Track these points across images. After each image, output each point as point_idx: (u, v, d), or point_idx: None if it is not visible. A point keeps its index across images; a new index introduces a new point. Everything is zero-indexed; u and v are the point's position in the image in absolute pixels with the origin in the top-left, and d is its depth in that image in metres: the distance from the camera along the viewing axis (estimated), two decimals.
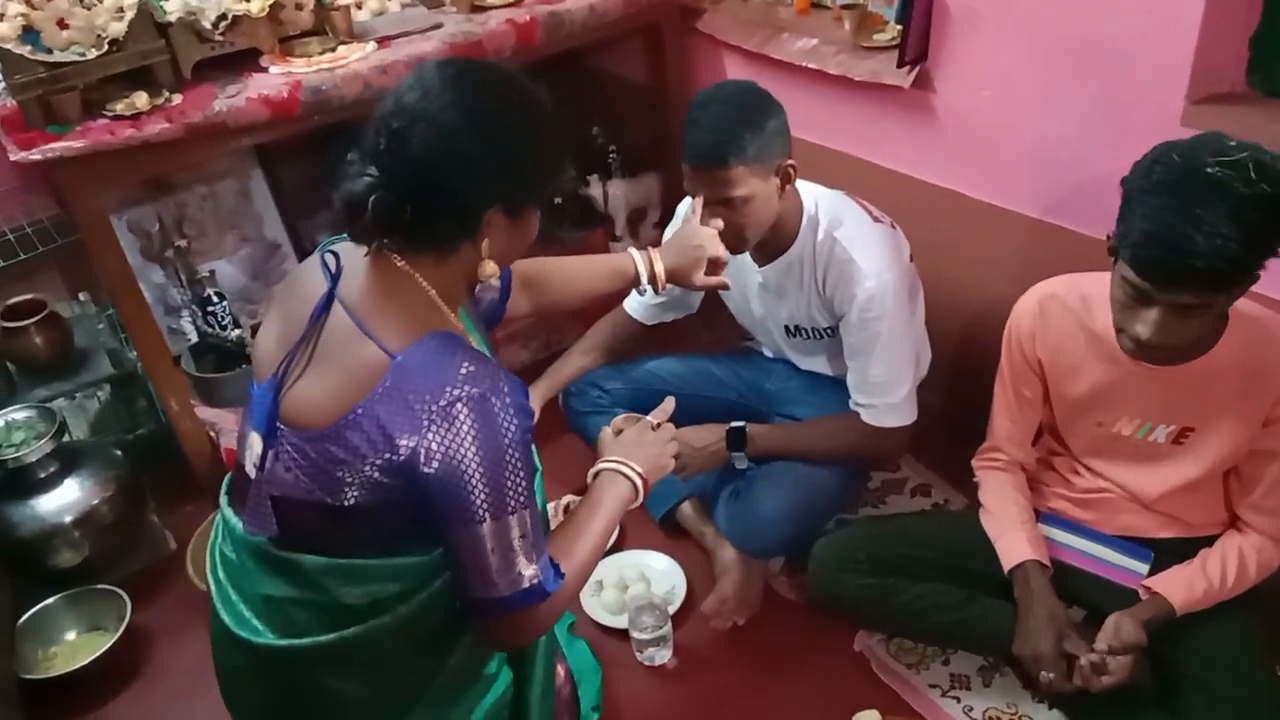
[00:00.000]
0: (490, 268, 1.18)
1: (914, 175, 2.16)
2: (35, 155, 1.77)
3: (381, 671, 1.22)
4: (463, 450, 1.06)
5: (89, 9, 1.85)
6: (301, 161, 2.55)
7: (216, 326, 2.39)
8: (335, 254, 1.21)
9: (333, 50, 2.13)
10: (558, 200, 2.62)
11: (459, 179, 1.10)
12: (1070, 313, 1.55)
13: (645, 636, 1.85)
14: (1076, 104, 1.78)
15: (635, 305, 2.14)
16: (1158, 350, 1.37)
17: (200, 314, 2.40)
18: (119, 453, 2.21)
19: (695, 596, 2.01)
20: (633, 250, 1.59)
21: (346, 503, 1.11)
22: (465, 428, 1.06)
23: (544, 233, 1.26)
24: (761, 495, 1.92)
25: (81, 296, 2.46)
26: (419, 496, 1.09)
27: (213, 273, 2.45)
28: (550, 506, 2.11)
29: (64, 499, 2.05)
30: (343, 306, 1.16)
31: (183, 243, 2.44)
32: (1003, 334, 1.66)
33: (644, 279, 1.57)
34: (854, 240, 1.78)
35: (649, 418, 1.46)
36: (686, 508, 2.13)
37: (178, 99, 1.93)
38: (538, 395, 2.05)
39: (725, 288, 1.65)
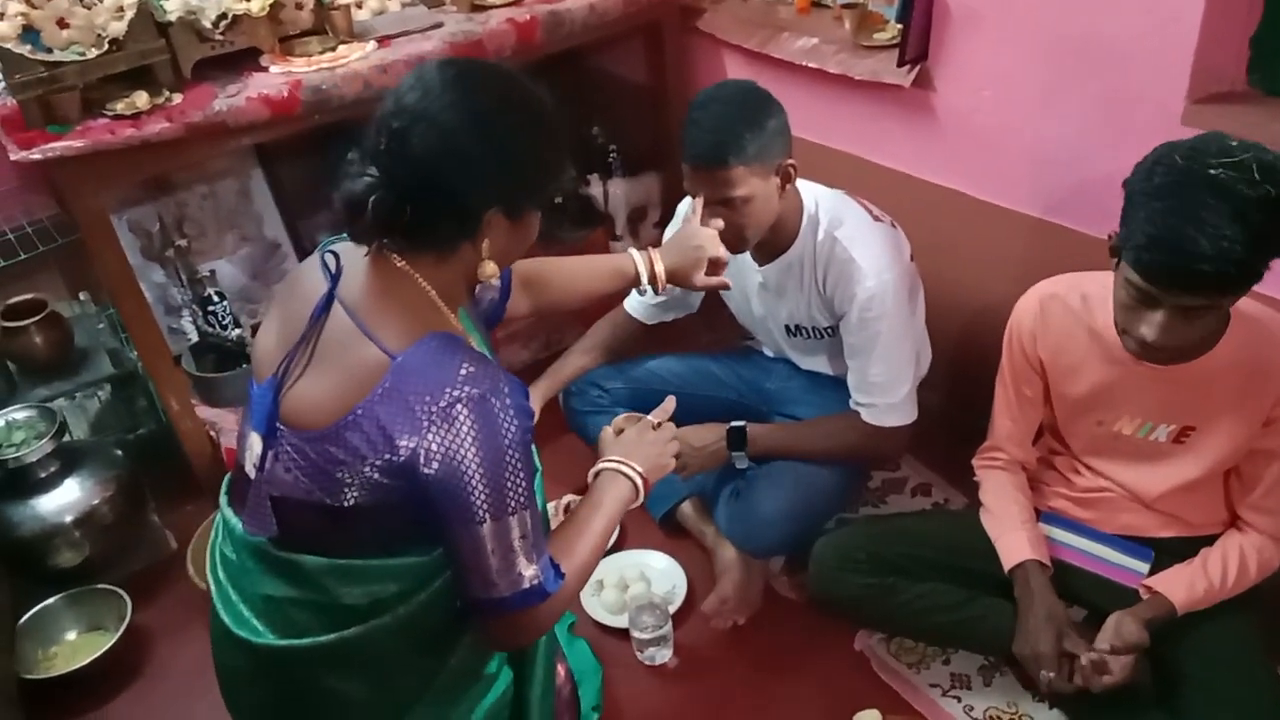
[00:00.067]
0: (490, 268, 1.18)
1: (914, 174, 2.16)
2: (35, 155, 1.77)
3: (382, 671, 1.22)
4: (463, 451, 1.06)
5: (89, 8, 1.85)
6: (302, 161, 2.55)
7: (217, 326, 2.39)
8: (335, 254, 1.21)
9: (333, 50, 2.13)
10: (558, 200, 2.62)
11: (459, 179, 1.10)
12: (1071, 312, 1.55)
13: (645, 636, 1.85)
14: (1077, 103, 1.78)
15: (635, 305, 2.14)
16: (1162, 351, 1.36)
17: (200, 313, 2.40)
18: (119, 452, 2.21)
19: (695, 596, 2.01)
20: (633, 250, 1.59)
21: (346, 503, 1.11)
22: (465, 428, 1.06)
23: (544, 232, 1.26)
24: (762, 495, 1.92)
25: (82, 296, 2.46)
26: (419, 497, 1.09)
27: (213, 272, 2.45)
28: (551, 506, 2.11)
29: (64, 499, 2.05)
30: (342, 307, 1.15)
31: (183, 242, 2.44)
32: (1003, 333, 1.66)
33: (644, 279, 1.57)
34: (854, 240, 1.78)
35: (649, 417, 1.46)
36: (687, 507, 2.13)
37: (178, 98, 1.93)
38: (538, 395, 2.05)
39: (726, 288, 1.65)
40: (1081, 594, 1.69)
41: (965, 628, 1.71)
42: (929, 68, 2.01)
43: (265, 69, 2.07)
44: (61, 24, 1.83)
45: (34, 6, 1.79)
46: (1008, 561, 1.65)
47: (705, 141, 1.64)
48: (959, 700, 1.77)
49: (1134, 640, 1.49)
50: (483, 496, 1.07)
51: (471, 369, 1.08)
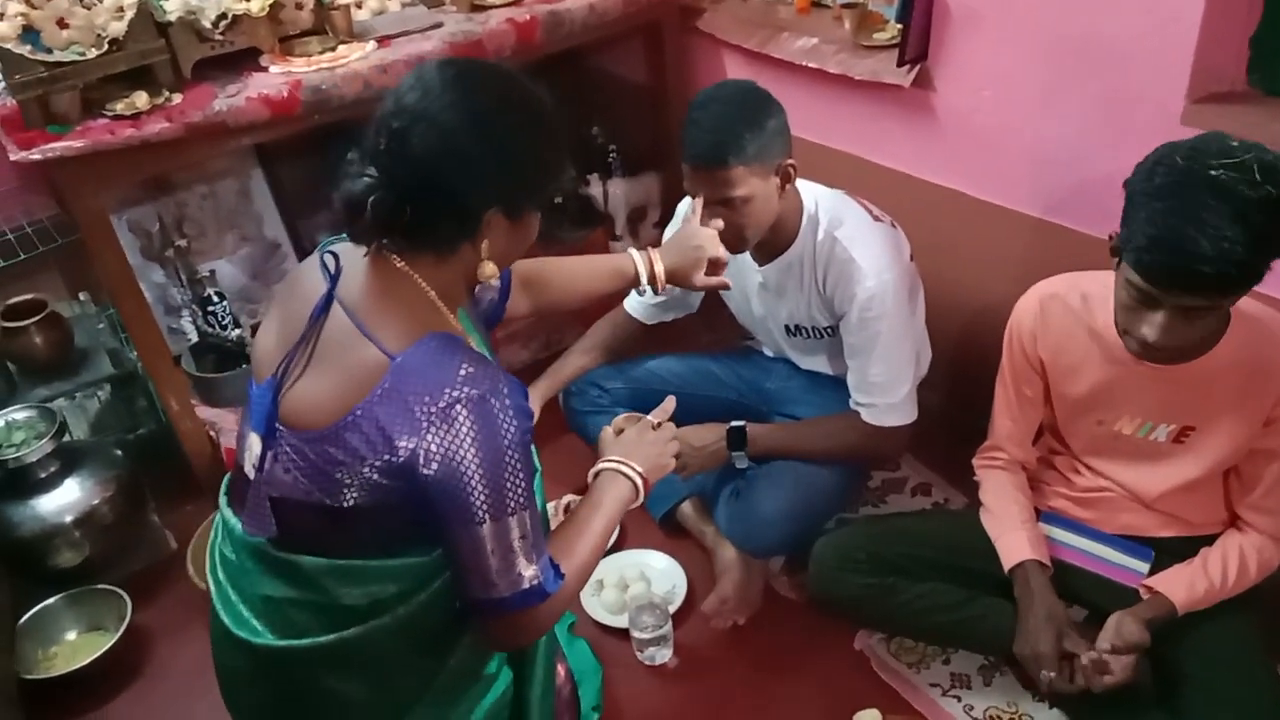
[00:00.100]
0: (490, 269, 1.18)
1: (914, 174, 2.16)
2: (35, 155, 1.77)
3: (381, 672, 1.22)
4: (462, 452, 1.06)
5: (89, 8, 1.85)
6: (301, 161, 2.55)
7: (217, 326, 2.39)
8: (335, 254, 1.21)
9: (333, 50, 2.13)
10: (558, 200, 2.62)
11: (459, 179, 1.10)
12: (1071, 312, 1.55)
13: (645, 636, 1.85)
14: (1077, 103, 1.78)
15: (635, 305, 2.14)
16: (1163, 351, 1.36)
17: (200, 314, 2.40)
18: (119, 452, 2.21)
19: (695, 596, 2.01)
20: (632, 250, 1.59)
21: (345, 504, 1.11)
22: (464, 429, 1.06)
23: (544, 232, 1.26)
24: (762, 495, 1.92)
25: (82, 296, 2.46)
26: (418, 498, 1.08)
27: (213, 272, 2.45)
28: (551, 506, 2.11)
29: (64, 499, 2.05)
30: (342, 307, 1.15)
31: (183, 242, 2.44)
32: (1003, 333, 1.66)
33: (644, 279, 1.57)
34: (854, 240, 1.78)
35: (649, 417, 1.46)
36: (687, 507, 2.13)
37: (178, 98, 1.93)
38: (538, 395, 2.05)
39: (726, 288, 1.65)
40: (1082, 594, 1.69)
41: (965, 627, 1.71)
42: (929, 68, 2.01)
43: (265, 69, 2.07)
44: (61, 24, 1.82)
45: (34, 7, 1.79)
46: (1007, 561, 1.65)
47: (705, 142, 1.64)
48: (959, 700, 1.77)
49: (1135, 640, 1.49)
50: (482, 497, 1.07)
51: (471, 369, 1.08)
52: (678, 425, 1.50)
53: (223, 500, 1.29)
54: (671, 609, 1.93)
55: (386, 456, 1.07)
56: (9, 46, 1.77)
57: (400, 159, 1.09)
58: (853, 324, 1.80)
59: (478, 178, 1.11)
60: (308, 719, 1.27)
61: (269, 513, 1.18)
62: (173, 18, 1.96)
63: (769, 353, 2.19)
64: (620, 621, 1.93)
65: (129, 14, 1.87)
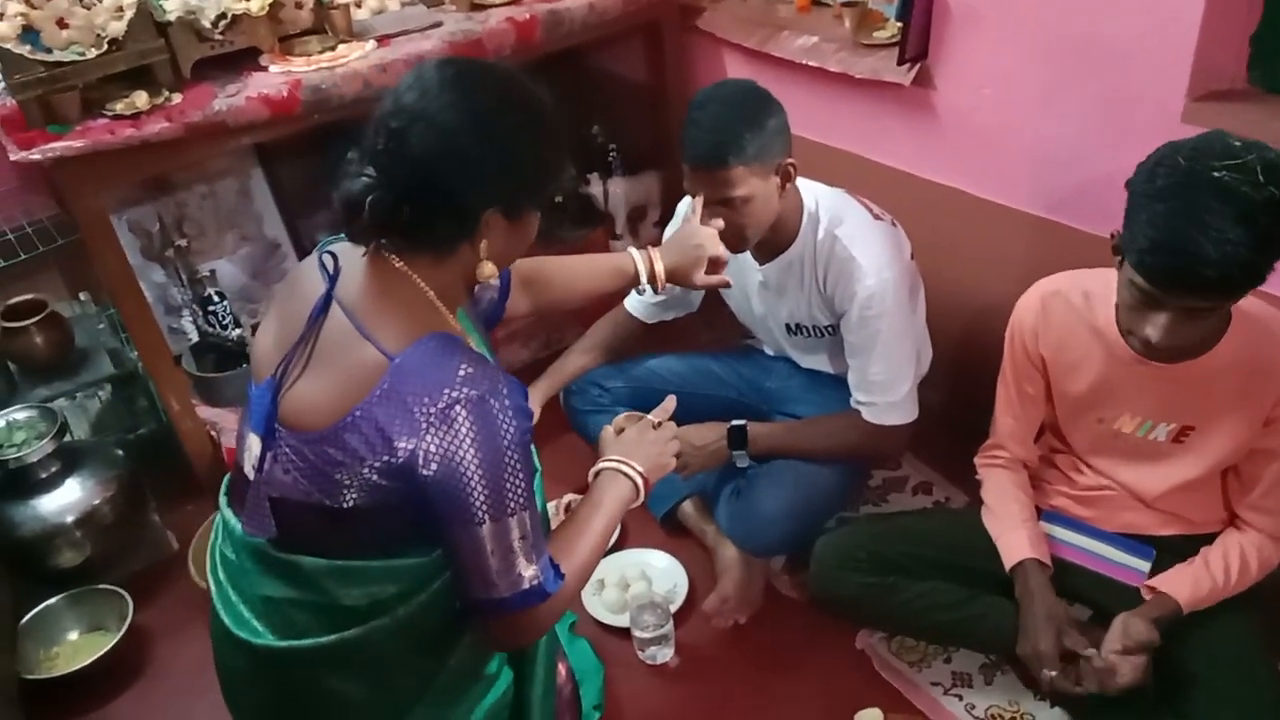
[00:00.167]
0: (489, 269, 1.18)
1: (914, 173, 2.16)
2: (35, 155, 1.77)
3: (381, 672, 1.22)
4: (461, 452, 1.06)
5: (88, 8, 1.85)
6: (301, 160, 2.55)
7: (217, 326, 2.39)
8: (333, 255, 1.21)
9: (332, 49, 2.13)
10: (558, 199, 2.62)
11: (457, 179, 1.10)
12: (1072, 309, 1.55)
13: (647, 635, 1.85)
14: (1077, 101, 1.78)
15: (636, 304, 2.13)
16: (1166, 351, 1.36)
17: (201, 313, 2.40)
18: (120, 452, 2.21)
19: (697, 595, 2.01)
20: (632, 249, 1.59)
21: (345, 505, 1.11)
22: (464, 430, 1.06)
23: (544, 231, 1.26)
24: (762, 494, 1.92)
25: (82, 296, 2.46)
26: (418, 499, 1.08)
27: (213, 272, 2.45)
28: (551, 505, 2.11)
29: (65, 499, 2.05)
30: (340, 307, 1.15)
31: (183, 242, 2.44)
32: (1004, 331, 1.66)
33: (644, 278, 1.57)
34: (854, 238, 1.78)
35: (650, 416, 1.46)
36: (688, 506, 2.13)
37: (177, 98, 1.93)
38: (538, 394, 2.05)
39: (727, 286, 1.65)
40: (1083, 592, 1.69)
41: (966, 626, 1.71)
42: (929, 66, 2.00)
43: (265, 68, 2.07)
44: (61, 24, 1.83)
45: (34, 7, 1.79)
46: (1008, 560, 1.64)
47: (705, 142, 1.64)
48: (960, 699, 1.77)
49: (1144, 639, 1.48)
50: (482, 498, 1.07)
51: (470, 370, 1.08)
52: (678, 424, 1.50)
53: (223, 500, 1.29)
54: (673, 608, 1.93)
55: (386, 457, 1.07)
56: (9, 46, 1.77)
57: (398, 159, 1.08)
58: (853, 322, 1.80)
59: (476, 178, 1.11)
60: (308, 719, 1.27)
61: (269, 513, 1.18)
62: (172, 17, 1.96)
63: (769, 351, 2.19)
64: (621, 621, 1.93)
65: (128, 14, 1.87)
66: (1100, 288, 1.50)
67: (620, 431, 1.44)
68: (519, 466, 1.10)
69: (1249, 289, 1.27)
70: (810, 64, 2.20)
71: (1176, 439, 1.53)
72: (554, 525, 1.35)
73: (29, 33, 1.80)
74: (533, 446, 1.20)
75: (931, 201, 2.11)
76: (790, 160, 1.72)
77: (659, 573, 2.06)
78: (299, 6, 2.17)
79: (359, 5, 2.32)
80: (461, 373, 1.07)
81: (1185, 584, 1.52)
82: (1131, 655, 1.48)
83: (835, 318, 1.87)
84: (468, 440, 1.06)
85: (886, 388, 1.82)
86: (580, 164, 2.76)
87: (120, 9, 1.87)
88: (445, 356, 1.09)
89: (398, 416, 1.06)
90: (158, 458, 2.33)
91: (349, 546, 1.17)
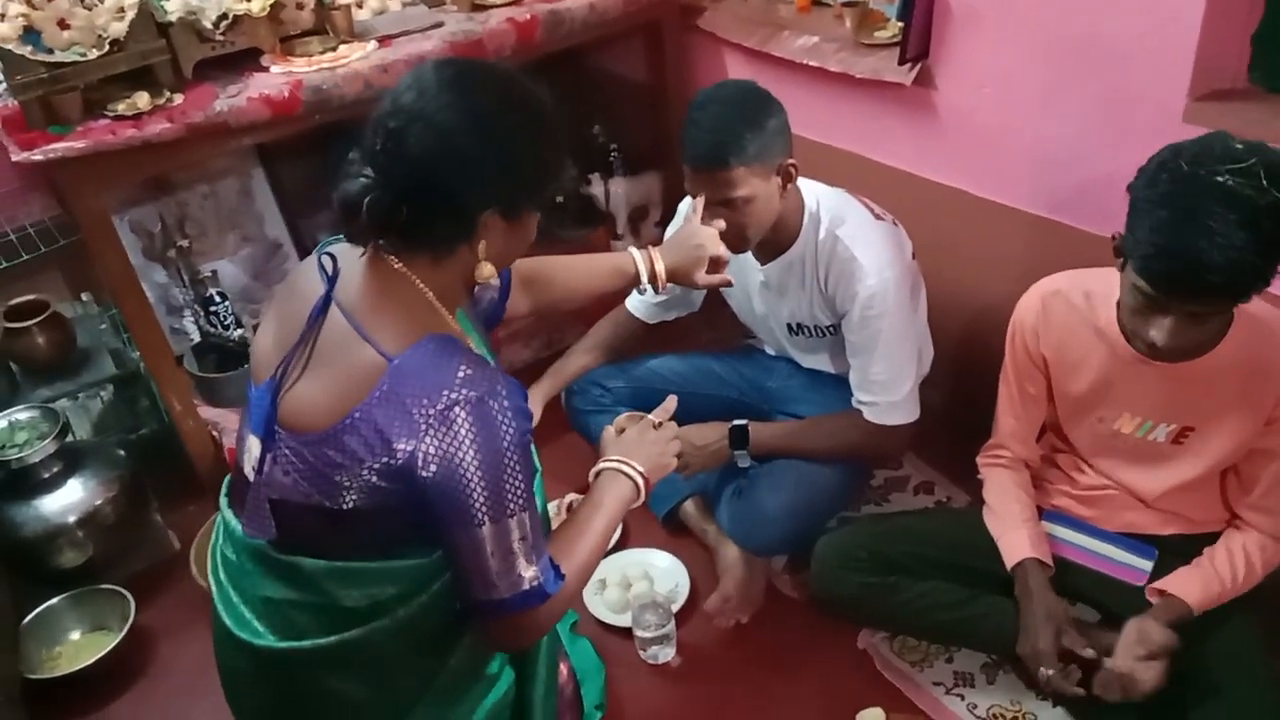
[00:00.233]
0: (487, 270, 1.17)
1: (915, 173, 2.16)
2: (37, 156, 1.77)
3: (382, 672, 1.22)
4: (461, 454, 1.06)
5: (90, 9, 1.85)
6: (303, 161, 2.55)
7: (219, 326, 2.39)
8: (332, 256, 1.21)
9: (333, 49, 2.13)
10: (559, 199, 2.62)
11: (455, 180, 1.09)
12: (1073, 309, 1.55)
13: (648, 635, 1.85)
14: (1078, 101, 1.78)
15: (637, 303, 2.13)
16: (1172, 353, 1.36)
17: (202, 314, 2.40)
18: (122, 453, 2.21)
19: (698, 595, 2.01)
20: (632, 249, 1.59)
21: (345, 506, 1.11)
22: (463, 431, 1.06)
23: (545, 231, 1.26)
24: (764, 493, 1.92)
25: (84, 297, 2.47)
26: (417, 500, 1.08)
27: (215, 272, 2.45)
28: (552, 505, 2.11)
29: (67, 499, 2.05)
30: (339, 309, 1.15)
31: (184, 242, 2.44)
32: (1005, 331, 1.66)
33: (644, 278, 1.57)
34: (855, 238, 1.77)
35: (651, 416, 1.46)
36: (689, 506, 2.13)
37: (179, 99, 1.93)
38: (540, 394, 2.05)
39: (728, 285, 1.65)
40: (1085, 592, 1.69)
41: (967, 626, 1.71)
42: (930, 66, 2.00)
43: (266, 69, 2.07)
44: (62, 25, 1.83)
45: (35, 7, 1.80)
46: (1009, 560, 1.65)
47: (705, 143, 1.64)
48: (962, 698, 1.77)
49: (1163, 643, 1.46)
50: (481, 499, 1.07)
51: (469, 371, 1.08)
52: (680, 424, 1.50)
53: (223, 502, 1.30)
54: (674, 608, 1.93)
55: (385, 459, 1.07)
56: (10, 47, 1.77)
57: (396, 159, 1.08)
58: (854, 322, 1.80)
59: (474, 178, 1.10)
60: (309, 719, 1.27)
61: (269, 515, 1.18)
62: (173, 18, 1.96)
63: (771, 351, 2.19)
64: (623, 620, 1.93)
65: (130, 14, 1.87)
66: (1101, 287, 1.50)
67: (621, 431, 1.44)
68: (518, 468, 1.10)
69: (1254, 293, 1.26)
70: (811, 64, 2.20)
71: (1175, 440, 1.53)
72: (555, 525, 1.35)
73: (30, 33, 1.80)
74: (533, 447, 1.20)
75: (932, 201, 2.11)
76: (791, 160, 1.72)
77: (661, 572, 2.06)
78: (300, 7, 2.17)
79: (360, 6, 2.32)
80: (460, 374, 1.07)
81: (1195, 586, 1.52)
82: (1153, 661, 1.46)
83: (836, 317, 1.87)
84: (467, 442, 1.06)
85: (888, 387, 1.82)
86: (581, 164, 2.76)
87: (121, 10, 1.87)
88: (444, 358, 1.09)
89: (397, 418, 1.06)
90: (159, 458, 2.33)
91: (349, 548, 1.17)
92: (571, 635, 1.89)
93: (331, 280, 1.18)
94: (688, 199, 1.87)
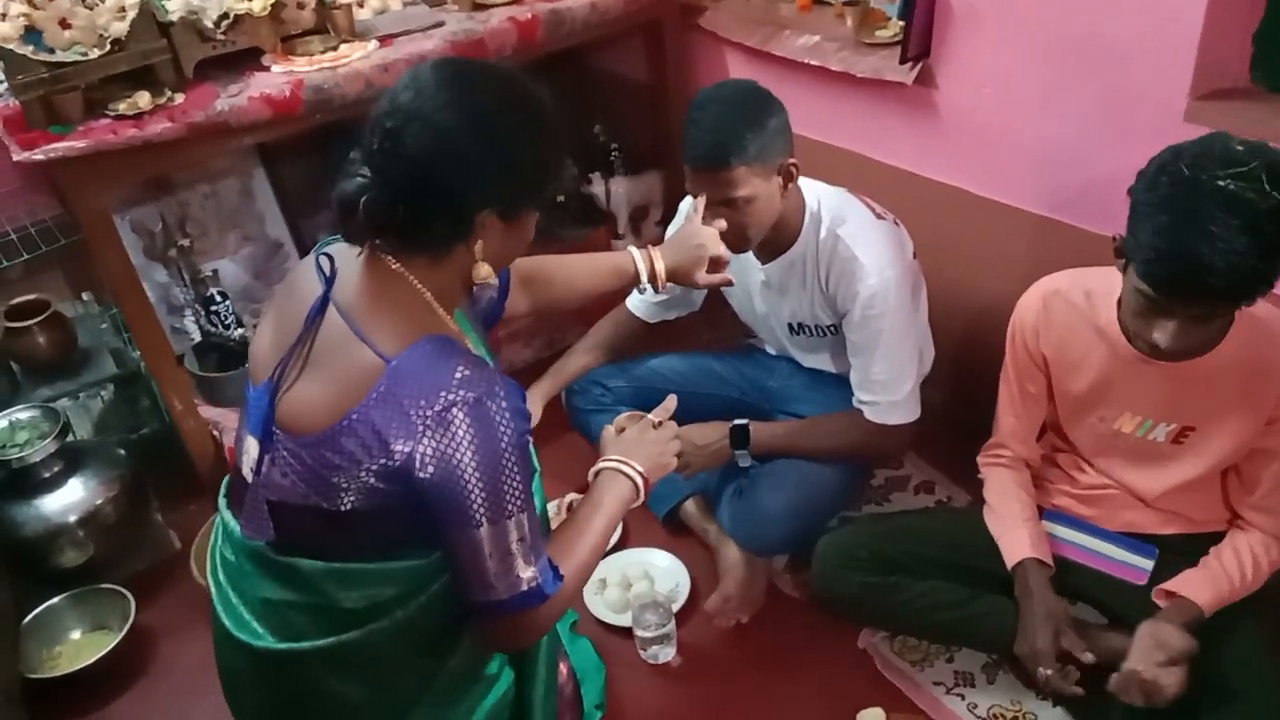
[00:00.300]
0: (484, 270, 1.17)
1: (916, 172, 2.16)
2: (38, 155, 1.77)
3: (381, 673, 1.22)
4: (459, 455, 1.05)
5: (91, 9, 1.85)
6: (304, 160, 2.55)
7: (219, 326, 2.39)
8: (330, 256, 1.21)
9: (334, 49, 2.13)
10: (560, 198, 2.62)
11: (452, 180, 1.09)
12: (1074, 308, 1.55)
13: (649, 634, 1.85)
14: (1078, 100, 1.77)
15: (637, 303, 2.13)
16: (1175, 354, 1.36)
17: (203, 313, 2.40)
18: (123, 452, 2.21)
19: (699, 594, 2.00)
20: (632, 248, 1.58)
21: (343, 508, 1.11)
22: (461, 433, 1.05)
23: (545, 230, 1.26)
24: (764, 493, 1.92)
25: (85, 296, 2.47)
26: (415, 502, 1.08)
27: (215, 272, 2.45)
28: (552, 505, 2.11)
29: (68, 499, 2.05)
30: (337, 310, 1.15)
31: (185, 242, 2.44)
32: (1006, 330, 1.66)
33: (644, 277, 1.57)
34: (856, 238, 1.77)
35: (651, 416, 1.46)
36: (690, 506, 2.12)
37: (180, 98, 1.93)
38: (540, 394, 2.05)
39: (729, 284, 1.65)
40: (1086, 591, 1.69)
41: (968, 626, 1.71)
42: (931, 65, 2.00)
43: (267, 68, 2.07)
44: (64, 24, 1.83)
45: (36, 7, 1.80)
46: (1009, 559, 1.64)
47: (706, 142, 1.64)
48: (963, 698, 1.77)
49: (1182, 647, 1.44)
50: (479, 500, 1.07)
51: (467, 372, 1.07)
52: (680, 424, 1.49)
53: (222, 502, 1.30)
54: (675, 607, 1.93)
55: (383, 460, 1.07)
56: (11, 47, 1.77)
57: (393, 158, 1.08)
58: (855, 322, 1.80)
59: (471, 178, 1.10)
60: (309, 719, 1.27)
61: (267, 516, 1.18)
62: (174, 18, 1.96)
63: (771, 351, 2.19)
64: (623, 620, 1.93)
65: (131, 14, 1.87)
66: (1101, 286, 1.50)
67: (621, 431, 1.44)
68: (517, 469, 1.10)
69: (1258, 295, 1.25)
70: (812, 63, 2.20)
71: (1176, 440, 1.53)
72: (555, 525, 1.34)
73: (31, 33, 1.80)
74: (532, 447, 1.20)
75: (933, 200, 2.10)
76: (792, 160, 1.72)
77: (661, 572, 2.06)
78: (301, 6, 2.17)
79: (361, 5, 2.32)
80: (458, 375, 1.07)
81: (1204, 587, 1.51)
82: (1175, 667, 1.43)
83: (837, 317, 1.86)
84: (465, 443, 1.05)
85: (889, 387, 1.81)
86: (582, 163, 2.76)
87: (123, 9, 1.87)
88: (442, 359, 1.09)
89: (394, 420, 1.06)
90: (160, 457, 2.33)
91: (347, 549, 1.16)
92: (571, 635, 1.89)
93: (329, 280, 1.18)
94: (688, 198, 1.87)
